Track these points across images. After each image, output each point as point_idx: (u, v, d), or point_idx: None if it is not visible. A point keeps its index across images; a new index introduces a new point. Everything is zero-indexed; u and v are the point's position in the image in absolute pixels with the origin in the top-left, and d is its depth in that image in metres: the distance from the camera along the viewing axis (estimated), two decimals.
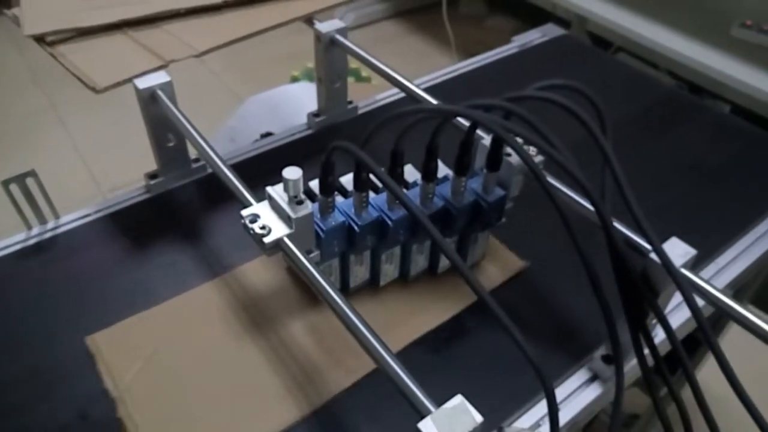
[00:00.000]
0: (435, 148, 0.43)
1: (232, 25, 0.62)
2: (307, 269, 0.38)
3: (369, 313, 0.46)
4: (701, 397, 0.39)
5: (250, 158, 0.65)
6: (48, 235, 0.56)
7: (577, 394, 0.45)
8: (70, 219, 0.58)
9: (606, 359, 0.45)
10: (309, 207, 0.40)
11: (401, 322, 0.49)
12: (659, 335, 0.44)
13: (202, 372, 0.45)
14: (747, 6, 1.33)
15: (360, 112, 0.72)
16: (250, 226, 0.40)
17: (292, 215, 0.40)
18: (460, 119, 0.50)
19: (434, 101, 0.56)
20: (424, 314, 0.49)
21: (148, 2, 0.63)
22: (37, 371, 0.45)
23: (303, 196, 0.41)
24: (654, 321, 0.42)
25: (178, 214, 0.59)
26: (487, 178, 0.46)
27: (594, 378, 0.46)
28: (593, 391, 0.45)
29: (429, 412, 0.30)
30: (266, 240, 0.39)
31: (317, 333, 0.48)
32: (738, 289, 0.60)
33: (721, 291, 0.39)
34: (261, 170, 0.63)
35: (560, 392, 0.45)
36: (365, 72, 1.48)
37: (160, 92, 0.54)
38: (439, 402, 0.31)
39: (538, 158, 0.45)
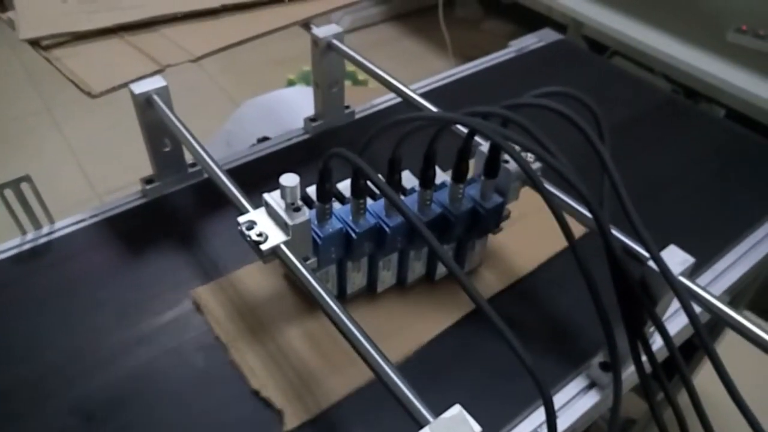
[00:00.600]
0: (433, 156, 0.43)
1: (228, 29, 0.62)
2: (304, 277, 0.38)
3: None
4: (698, 403, 0.39)
5: (247, 163, 0.65)
6: (43, 240, 0.56)
7: (575, 401, 0.45)
8: (65, 224, 0.57)
9: (604, 366, 0.45)
10: (306, 214, 0.40)
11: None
12: (657, 342, 0.44)
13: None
14: (743, 11, 1.33)
15: (357, 116, 0.71)
16: (246, 233, 0.40)
17: (289, 222, 0.39)
18: (458, 126, 0.50)
19: (431, 107, 0.56)
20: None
21: (144, 6, 0.63)
22: (33, 377, 0.45)
23: (300, 203, 0.40)
24: (652, 328, 0.42)
25: (174, 219, 0.59)
26: (485, 185, 0.46)
27: (592, 385, 0.46)
28: (591, 399, 0.45)
29: (427, 422, 0.30)
30: (263, 247, 0.39)
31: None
32: (735, 294, 0.60)
33: (719, 298, 0.39)
34: (257, 175, 0.63)
35: (558, 399, 0.45)
36: (362, 75, 1.48)
37: (156, 97, 0.54)
38: (437, 412, 0.31)
39: (536, 165, 0.45)
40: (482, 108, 0.40)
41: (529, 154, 0.41)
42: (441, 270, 0.51)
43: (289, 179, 0.39)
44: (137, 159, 0.64)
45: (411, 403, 0.32)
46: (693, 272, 0.40)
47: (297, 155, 0.67)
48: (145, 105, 0.54)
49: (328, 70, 0.64)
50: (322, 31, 0.62)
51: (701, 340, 0.37)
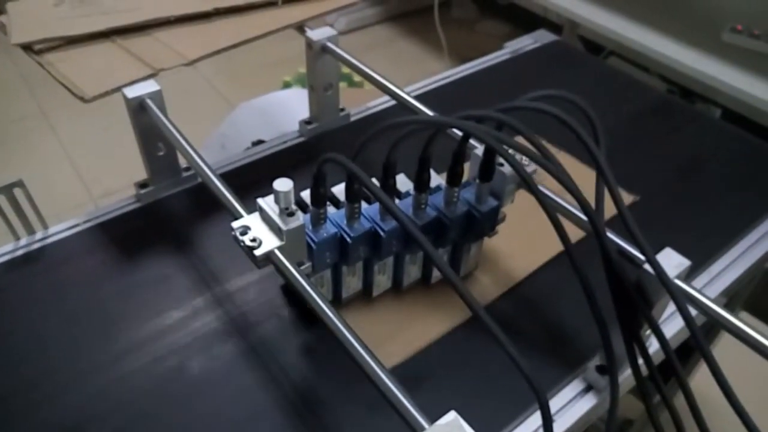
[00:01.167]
0: (427, 159, 0.43)
1: (222, 32, 0.62)
2: (299, 282, 0.38)
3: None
4: (695, 405, 0.39)
5: (241, 167, 0.65)
6: (36, 245, 0.55)
7: (571, 404, 0.45)
8: (58, 229, 0.57)
9: (600, 370, 0.45)
10: (300, 219, 0.40)
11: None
12: (653, 345, 0.44)
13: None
14: (738, 10, 1.34)
15: (352, 119, 0.71)
16: (240, 238, 0.40)
17: (283, 227, 0.39)
18: (453, 129, 0.50)
19: (426, 109, 0.56)
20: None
21: (137, 10, 0.62)
22: (27, 383, 0.45)
23: (294, 208, 0.40)
24: (648, 331, 0.42)
25: (169, 223, 0.58)
26: (480, 188, 0.46)
27: (588, 388, 0.46)
28: (588, 402, 0.45)
29: (423, 429, 0.30)
30: (257, 252, 0.39)
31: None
32: (731, 296, 0.60)
33: (714, 301, 0.39)
34: (252, 179, 0.63)
35: (555, 403, 0.45)
36: (357, 77, 1.48)
37: (149, 101, 0.53)
38: (432, 418, 0.30)
39: (531, 168, 0.44)
40: (477, 111, 0.39)
41: (524, 157, 0.41)
42: (437, 273, 0.51)
43: (283, 184, 0.39)
44: (132, 161, 0.63)
45: (406, 409, 0.32)
46: (689, 275, 0.40)
47: (292, 158, 0.66)
48: (138, 109, 0.54)
49: (322, 72, 0.64)
50: (317, 34, 0.61)
51: (697, 342, 0.37)
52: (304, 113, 0.69)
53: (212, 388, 0.45)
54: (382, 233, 0.44)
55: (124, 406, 0.44)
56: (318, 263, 0.44)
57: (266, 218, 0.41)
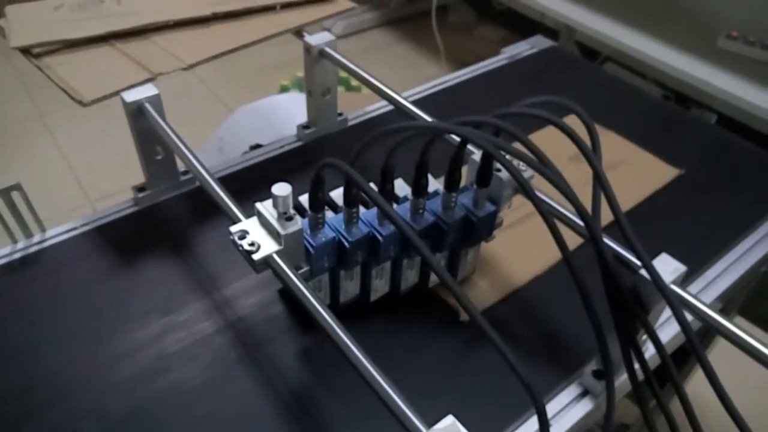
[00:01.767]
0: (425, 165, 0.43)
1: (220, 37, 0.62)
2: (297, 287, 0.38)
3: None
4: (690, 410, 0.39)
5: (239, 171, 0.65)
6: (34, 249, 0.55)
7: (568, 409, 0.45)
8: (56, 233, 0.57)
9: (597, 374, 0.45)
10: (299, 223, 0.40)
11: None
12: (649, 350, 0.44)
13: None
14: (733, 17, 1.34)
15: (350, 123, 0.71)
16: (239, 242, 0.40)
17: (282, 232, 0.39)
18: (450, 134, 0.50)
19: (424, 115, 0.56)
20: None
21: (136, 14, 0.63)
22: (24, 387, 0.45)
23: (292, 212, 0.40)
24: (644, 336, 0.42)
25: (167, 227, 0.58)
26: (478, 193, 0.46)
27: (585, 393, 0.46)
28: (584, 407, 0.45)
29: None
30: (255, 257, 0.39)
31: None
32: (726, 301, 0.61)
33: (710, 306, 0.39)
34: (250, 183, 0.63)
35: (551, 408, 0.45)
36: (355, 81, 1.48)
37: (147, 105, 0.53)
38: (430, 422, 0.31)
39: (528, 174, 0.45)
40: (474, 117, 0.40)
41: (521, 163, 0.41)
42: (435, 278, 0.51)
43: (281, 189, 0.39)
44: (130, 164, 0.64)
45: (404, 413, 0.32)
46: (684, 280, 0.40)
47: (290, 163, 0.66)
48: (136, 113, 0.54)
49: (320, 77, 0.64)
50: (315, 39, 0.62)
51: (693, 347, 0.37)
52: (302, 117, 0.70)
53: (209, 393, 0.45)
54: (380, 238, 0.44)
55: (120, 410, 0.44)
56: (316, 268, 0.44)
57: (264, 222, 0.41)
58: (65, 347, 0.47)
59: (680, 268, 0.39)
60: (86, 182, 1.59)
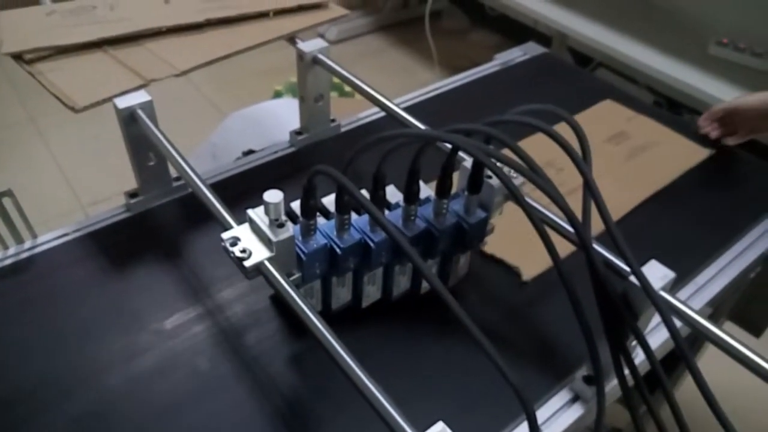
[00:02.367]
0: (417, 172, 0.43)
1: (213, 43, 0.62)
2: (288, 294, 0.38)
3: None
4: (679, 415, 0.39)
5: (232, 176, 0.65)
6: (25, 255, 0.55)
7: (559, 414, 0.46)
8: (47, 239, 0.57)
9: (587, 380, 0.46)
10: (290, 230, 0.40)
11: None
12: (639, 355, 0.45)
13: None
14: (724, 25, 1.36)
15: (343, 129, 0.72)
16: (230, 249, 0.40)
17: (273, 238, 0.39)
18: None
19: (416, 121, 0.56)
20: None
21: (129, 20, 0.63)
22: (13, 394, 0.44)
23: (284, 219, 0.40)
24: (634, 342, 0.43)
25: (159, 233, 0.58)
26: (469, 200, 0.46)
27: (576, 398, 0.46)
28: (575, 412, 0.46)
29: None
30: (247, 264, 0.39)
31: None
32: (716, 306, 0.61)
33: (698, 312, 0.39)
34: (243, 189, 0.63)
35: (542, 413, 0.45)
36: (348, 87, 1.48)
37: (140, 112, 0.53)
38: (421, 429, 0.31)
39: (518, 180, 0.45)
40: (465, 125, 0.40)
41: (512, 170, 0.41)
42: (426, 284, 0.51)
43: (273, 195, 0.39)
44: (122, 169, 0.63)
45: (395, 420, 0.32)
46: (674, 286, 0.41)
47: (282, 169, 0.67)
48: (129, 120, 0.54)
49: (313, 83, 0.64)
50: (308, 46, 0.62)
51: (681, 353, 0.37)
52: (295, 123, 0.70)
53: (200, 399, 0.45)
54: (372, 244, 0.44)
55: (111, 417, 0.44)
56: (308, 274, 0.44)
57: (256, 229, 0.41)
58: (56, 354, 0.47)
59: (669, 274, 0.40)
60: (78, 187, 1.58)
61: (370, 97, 0.60)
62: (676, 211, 0.64)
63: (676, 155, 0.69)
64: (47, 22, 0.62)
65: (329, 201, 0.47)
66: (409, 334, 0.50)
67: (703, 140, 0.72)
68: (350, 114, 0.74)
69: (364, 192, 0.44)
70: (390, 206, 0.48)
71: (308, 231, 0.43)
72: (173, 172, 0.60)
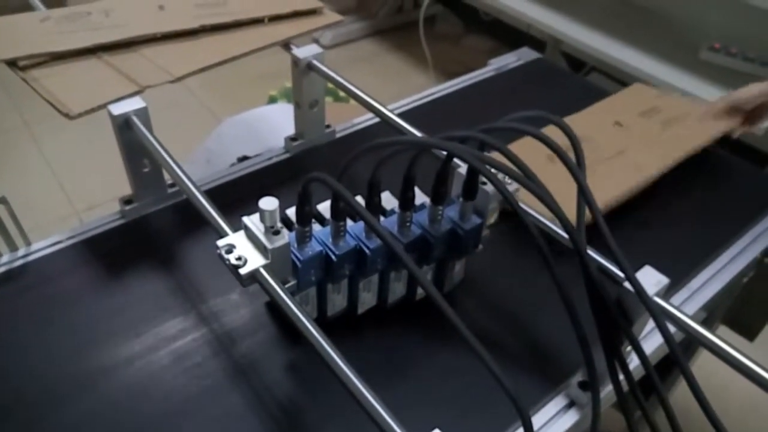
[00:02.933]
0: (412, 178, 0.43)
1: (208, 49, 0.62)
2: (284, 301, 0.38)
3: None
4: (674, 420, 0.40)
5: (227, 183, 0.65)
6: (19, 262, 0.55)
7: (554, 421, 0.46)
8: (41, 246, 0.56)
9: (582, 386, 0.46)
10: (286, 237, 0.40)
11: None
12: (634, 360, 0.45)
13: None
14: (715, 30, 1.37)
15: (338, 135, 0.72)
16: (225, 256, 0.40)
17: (269, 246, 0.39)
18: None
19: (410, 127, 0.56)
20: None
21: (124, 26, 0.63)
22: (6, 403, 0.44)
23: (279, 226, 0.40)
24: (629, 347, 0.43)
25: (154, 240, 0.58)
26: (464, 206, 0.47)
27: (571, 404, 0.46)
28: (570, 418, 0.46)
29: None
30: (242, 271, 0.39)
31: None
32: (710, 311, 0.61)
33: (692, 318, 0.39)
34: (237, 196, 0.63)
35: (537, 420, 0.46)
36: (343, 92, 1.48)
37: (135, 118, 0.53)
38: None
39: (513, 187, 0.45)
40: (459, 132, 0.40)
41: (507, 177, 0.41)
42: (422, 291, 0.51)
43: (268, 203, 0.39)
44: (116, 175, 0.63)
45: (390, 427, 0.32)
46: (668, 291, 0.41)
47: (277, 175, 0.67)
48: (123, 126, 0.54)
49: (308, 89, 0.64)
50: (302, 52, 0.62)
51: (676, 358, 0.38)
52: (290, 128, 0.70)
53: (196, 407, 0.45)
54: (367, 251, 0.44)
55: (106, 425, 0.43)
56: (303, 281, 0.44)
57: (251, 236, 0.41)
58: (50, 363, 0.47)
59: (663, 280, 0.40)
60: (73, 193, 1.58)
61: (365, 103, 0.60)
62: (669, 215, 0.64)
63: (702, 126, 0.72)
64: (41, 28, 0.62)
65: (325, 207, 0.47)
66: (404, 341, 0.50)
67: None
68: (345, 119, 0.75)
69: (360, 198, 0.44)
70: (385, 212, 0.48)
71: (303, 238, 0.43)
72: (168, 179, 0.60)
